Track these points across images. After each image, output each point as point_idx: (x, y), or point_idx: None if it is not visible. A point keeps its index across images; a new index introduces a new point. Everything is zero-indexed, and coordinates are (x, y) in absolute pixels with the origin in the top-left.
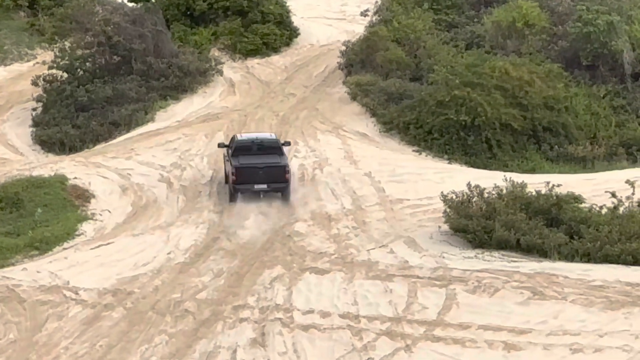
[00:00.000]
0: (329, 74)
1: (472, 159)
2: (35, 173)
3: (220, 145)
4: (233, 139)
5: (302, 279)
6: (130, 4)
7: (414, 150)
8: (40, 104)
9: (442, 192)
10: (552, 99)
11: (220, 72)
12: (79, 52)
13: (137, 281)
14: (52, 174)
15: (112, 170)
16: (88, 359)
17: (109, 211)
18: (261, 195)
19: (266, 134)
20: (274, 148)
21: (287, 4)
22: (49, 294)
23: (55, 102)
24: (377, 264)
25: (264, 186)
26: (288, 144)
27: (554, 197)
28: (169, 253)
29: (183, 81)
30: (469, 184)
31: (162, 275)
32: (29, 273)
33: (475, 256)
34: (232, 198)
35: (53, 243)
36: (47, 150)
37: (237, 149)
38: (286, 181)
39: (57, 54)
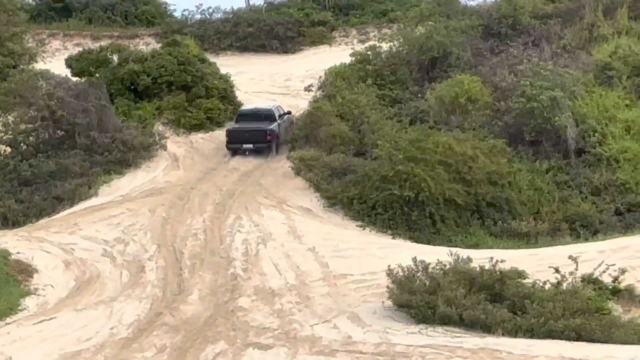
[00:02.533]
0: None
1: (416, 234)
2: None
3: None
4: None
5: (245, 355)
6: (74, 78)
7: (357, 225)
8: None
9: (388, 267)
10: (496, 175)
11: (164, 147)
12: (23, 126)
13: (79, 356)
14: None
15: (55, 245)
16: None
17: (52, 286)
18: (247, 153)
19: (265, 105)
20: (267, 116)
21: (231, 79)
22: None
23: None
24: (320, 339)
25: (250, 146)
26: (289, 112)
27: (498, 273)
28: (112, 328)
29: (127, 156)
30: (414, 259)
31: (105, 350)
32: None
33: (419, 331)
34: (230, 154)
35: None
36: None
37: (238, 116)
38: (268, 142)
39: (1, 128)
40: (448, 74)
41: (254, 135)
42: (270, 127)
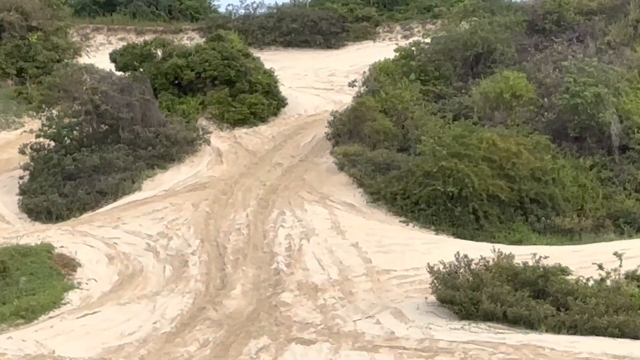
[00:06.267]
0: (316, 144)
1: (459, 230)
2: (21, 242)
3: None
4: None
5: (288, 350)
6: (118, 73)
7: (400, 221)
8: (27, 172)
9: (428, 263)
10: (539, 171)
11: (208, 142)
12: (67, 120)
13: (122, 350)
14: (39, 242)
15: (98, 239)
16: None
17: (95, 280)
18: None
19: None
20: None
21: (275, 74)
22: None
23: (42, 170)
24: (363, 335)
25: None
26: None
27: (541, 269)
28: (155, 322)
29: (170, 150)
30: (457, 255)
31: (148, 344)
32: (15, 342)
33: (462, 327)
34: None
35: (39, 312)
36: (34, 219)
37: None
38: None
39: (45, 122)
40: (492, 69)
41: None
42: None
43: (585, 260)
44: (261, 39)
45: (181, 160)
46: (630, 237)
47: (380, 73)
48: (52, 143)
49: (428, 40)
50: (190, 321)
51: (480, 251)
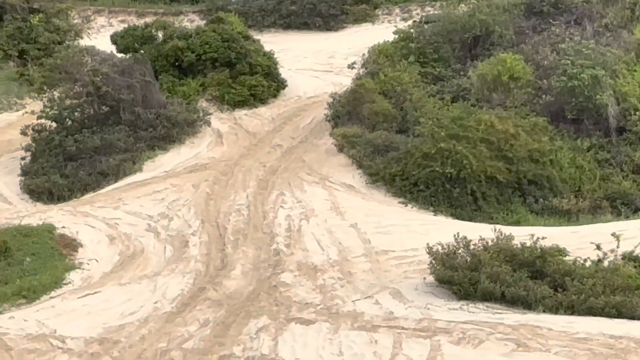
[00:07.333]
0: (316, 126)
1: (458, 211)
2: (23, 222)
3: None
4: None
5: (287, 329)
6: (119, 55)
7: (399, 202)
8: (29, 153)
9: (427, 244)
10: (537, 152)
11: (208, 123)
12: (68, 102)
13: (123, 330)
14: (41, 223)
15: (99, 220)
16: None
17: (97, 260)
18: None
19: None
20: None
21: (275, 56)
22: (36, 343)
23: (43, 151)
24: (362, 315)
25: None
26: None
27: (539, 250)
28: (155, 302)
29: (171, 132)
30: (455, 235)
31: (148, 324)
32: (17, 321)
33: (460, 308)
34: None
35: (40, 292)
36: (36, 200)
37: None
38: None
39: (46, 103)
40: (490, 52)
41: None
42: None
43: (582, 242)
44: (261, 22)
45: (181, 142)
46: (627, 218)
47: (379, 55)
48: (54, 124)
49: (426, 27)
50: (191, 301)
51: (478, 232)
